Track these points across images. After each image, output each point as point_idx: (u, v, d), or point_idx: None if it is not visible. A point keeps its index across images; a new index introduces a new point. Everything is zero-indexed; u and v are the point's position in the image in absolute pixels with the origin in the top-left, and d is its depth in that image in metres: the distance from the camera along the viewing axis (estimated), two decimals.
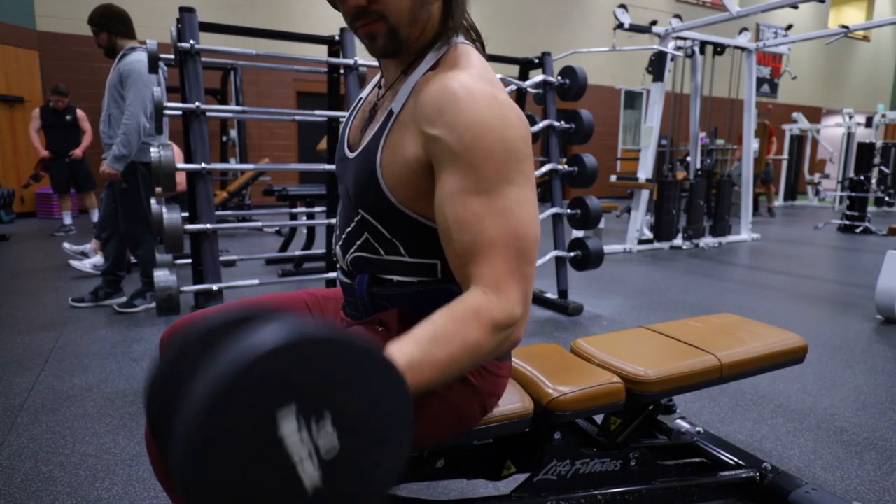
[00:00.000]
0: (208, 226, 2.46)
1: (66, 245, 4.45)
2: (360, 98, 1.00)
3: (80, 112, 5.93)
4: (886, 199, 10.28)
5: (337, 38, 3.08)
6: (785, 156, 11.32)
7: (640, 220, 5.81)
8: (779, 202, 11.68)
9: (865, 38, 15.86)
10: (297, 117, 2.92)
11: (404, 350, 0.65)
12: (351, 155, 0.90)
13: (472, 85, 0.75)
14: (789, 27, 7.34)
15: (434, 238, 0.81)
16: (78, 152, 5.84)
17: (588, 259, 3.40)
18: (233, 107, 2.72)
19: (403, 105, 0.82)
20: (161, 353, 1.01)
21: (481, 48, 0.89)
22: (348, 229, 0.91)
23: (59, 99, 5.80)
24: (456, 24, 0.84)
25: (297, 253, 4.15)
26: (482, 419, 0.95)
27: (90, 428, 1.86)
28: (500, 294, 0.71)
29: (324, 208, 3.91)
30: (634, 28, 5.56)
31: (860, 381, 2.35)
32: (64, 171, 5.90)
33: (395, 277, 0.87)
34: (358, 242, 0.89)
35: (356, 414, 0.54)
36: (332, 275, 2.96)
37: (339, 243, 0.94)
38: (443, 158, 0.74)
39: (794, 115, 11.27)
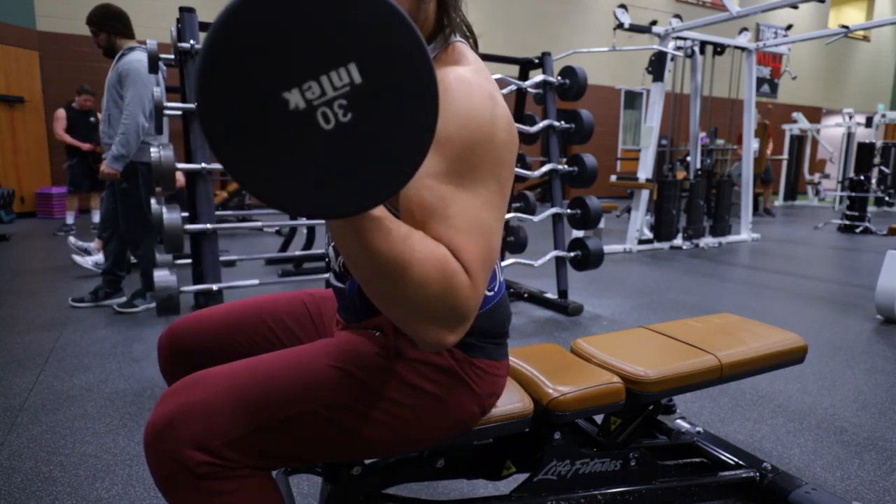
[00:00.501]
0: (208, 226, 2.46)
1: (72, 239, 4.46)
2: None
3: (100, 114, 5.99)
4: (886, 199, 10.28)
5: None
6: (785, 156, 11.32)
7: (640, 220, 5.81)
8: (779, 202, 11.68)
9: (865, 38, 15.86)
10: None
11: (384, 211, 0.60)
12: None
13: (471, 79, 0.73)
14: (789, 27, 7.34)
15: None
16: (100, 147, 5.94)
17: (588, 259, 3.40)
18: None
19: None
20: (159, 355, 1.01)
21: (474, 45, 0.88)
22: None
23: (86, 98, 5.86)
24: (452, 22, 0.83)
25: (297, 253, 4.15)
26: (482, 419, 0.95)
27: (90, 428, 1.86)
28: (468, 275, 0.66)
29: None
30: (634, 28, 5.56)
31: (860, 381, 2.35)
32: (85, 170, 5.94)
33: None
34: None
35: (369, 139, 0.50)
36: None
37: (332, 243, 0.94)
38: None
39: (794, 115, 11.27)
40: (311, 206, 0.51)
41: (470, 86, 0.72)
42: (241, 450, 0.74)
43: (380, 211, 0.59)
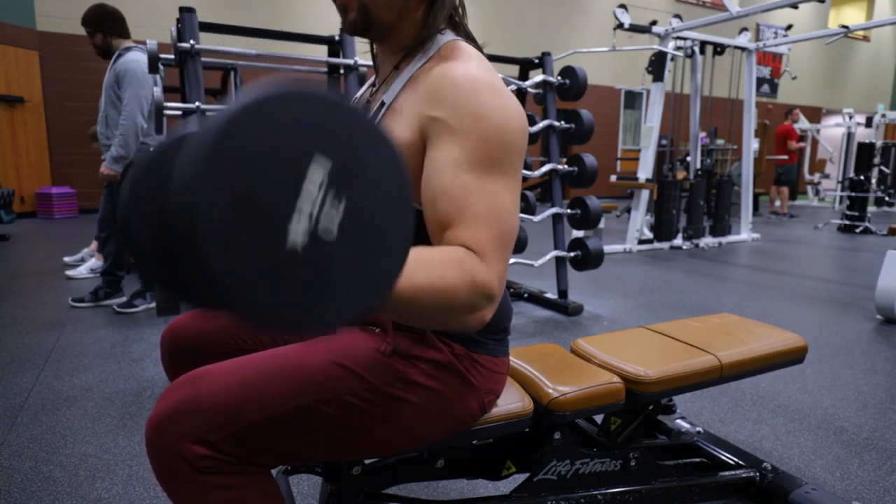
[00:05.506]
0: None
1: (67, 258, 4.48)
2: (355, 98, 1.00)
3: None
4: (886, 199, 10.26)
5: (337, 38, 3.08)
6: (801, 144, 11.05)
7: (640, 220, 5.81)
8: (777, 202, 11.65)
9: (865, 38, 15.86)
10: None
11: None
12: None
13: (475, 73, 0.76)
14: (789, 27, 7.34)
15: (420, 222, 0.80)
16: None
17: (588, 259, 3.40)
18: None
19: (396, 96, 0.83)
20: (162, 352, 1.01)
21: (479, 48, 0.90)
22: None
23: None
24: (436, 21, 0.84)
25: None
26: (481, 418, 0.95)
27: (90, 428, 1.86)
28: (482, 260, 0.70)
29: None
30: (634, 28, 5.56)
31: (860, 381, 2.35)
32: None
33: None
34: None
35: (368, 219, 0.51)
36: None
37: None
38: (439, 135, 0.75)
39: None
40: (290, 320, 0.49)
41: (476, 82, 0.75)
42: (240, 444, 0.74)
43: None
